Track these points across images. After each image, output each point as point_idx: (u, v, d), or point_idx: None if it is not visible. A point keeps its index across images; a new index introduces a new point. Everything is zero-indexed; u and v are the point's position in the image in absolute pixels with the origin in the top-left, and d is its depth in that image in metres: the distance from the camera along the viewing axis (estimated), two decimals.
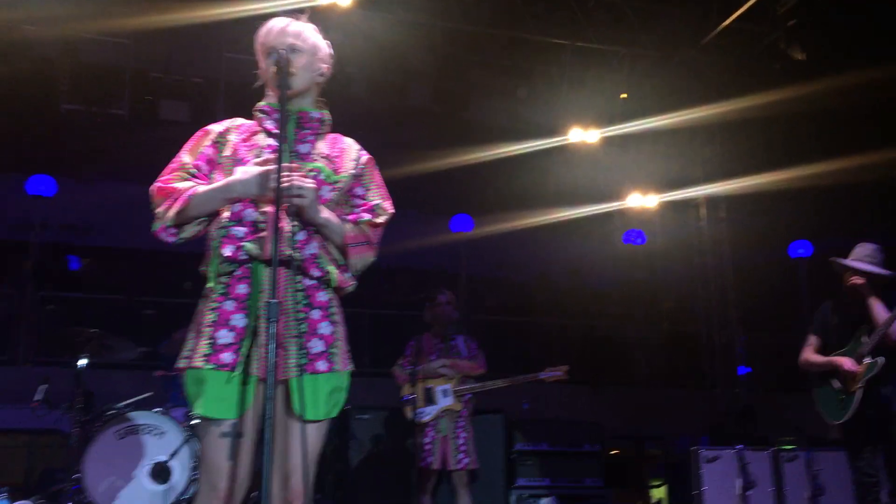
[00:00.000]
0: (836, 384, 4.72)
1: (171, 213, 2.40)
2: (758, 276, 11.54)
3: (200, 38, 8.54)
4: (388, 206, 2.63)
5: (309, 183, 2.38)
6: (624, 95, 10.58)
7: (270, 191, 2.32)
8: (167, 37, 8.61)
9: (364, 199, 2.60)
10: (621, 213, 12.02)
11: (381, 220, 2.59)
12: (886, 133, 9.41)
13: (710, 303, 11.09)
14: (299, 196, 2.34)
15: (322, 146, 2.58)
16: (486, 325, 12.07)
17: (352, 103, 9.45)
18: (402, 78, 10.06)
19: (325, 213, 2.44)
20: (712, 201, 11.23)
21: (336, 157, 2.58)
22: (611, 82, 10.49)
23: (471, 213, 11.54)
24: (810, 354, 4.91)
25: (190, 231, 2.45)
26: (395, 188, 2.73)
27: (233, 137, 2.53)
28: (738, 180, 10.38)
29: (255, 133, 2.55)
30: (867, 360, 4.55)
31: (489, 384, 5.99)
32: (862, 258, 4.77)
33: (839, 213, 11.26)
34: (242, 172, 2.40)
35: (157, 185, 2.47)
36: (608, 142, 10.65)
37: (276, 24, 2.57)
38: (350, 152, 2.63)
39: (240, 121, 2.60)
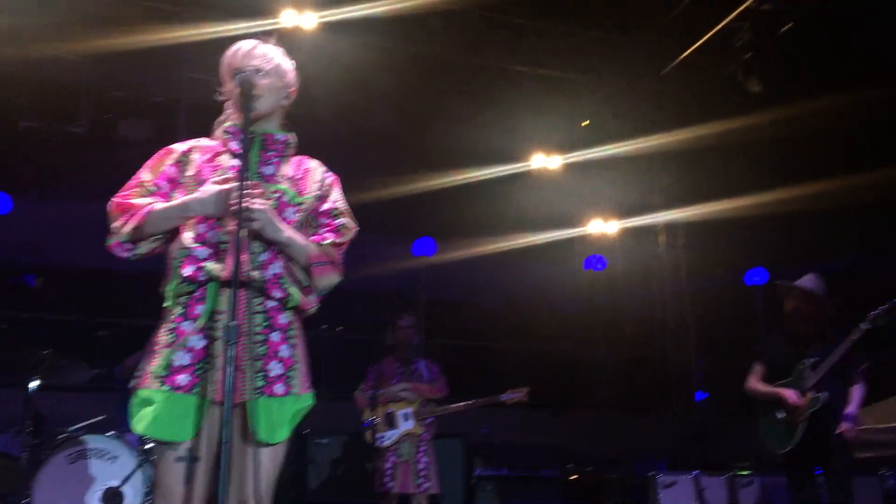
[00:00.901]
0: (781, 414, 4.80)
1: (127, 228, 2.38)
2: (715, 301, 11.70)
3: (162, 57, 8.48)
4: (352, 225, 2.63)
5: (258, 204, 2.35)
6: (586, 122, 10.73)
7: (228, 211, 2.32)
8: (128, 55, 8.54)
9: (329, 217, 2.59)
10: (582, 239, 12.14)
11: (345, 238, 2.59)
12: (840, 162, 9.65)
13: (669, 328, 11.22)
14: (250, 220, 2.31)
15: (287, 168, 2.58)
16: (447, 348, 12.04)
17: (315, 125, 9.42)
18: (366, 100, 10.09)
19: (288, 232, 2.42)
20: (671, 228, 11.39)
21: (300, 178, 2.58)
22: (572, 109, 10.64)
23: (433, 237, 11.56)
24: (755, 383, 5.02)
25: (145, 248, 2.43)
26: (357, 211, 2.73)
27: (196, 157, 2.52)
28: (695, 207, 10.56)
29: (219, 154, 2.54)
30: (811, 395, 4.64)
31: (450, 407, 5.99)
32: (805, 281, 4.90)
33: (794, 241, 11.49)
34: (201, 192, 2.39)
35: (115, 200, 2.45)
36: (569, 168, 10.77)
37: (242, 46, 2.57)
38: (315, 174, 2.63)
39: (204, 141, 2.59)
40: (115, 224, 2.41)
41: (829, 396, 4.60)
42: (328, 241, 2.54)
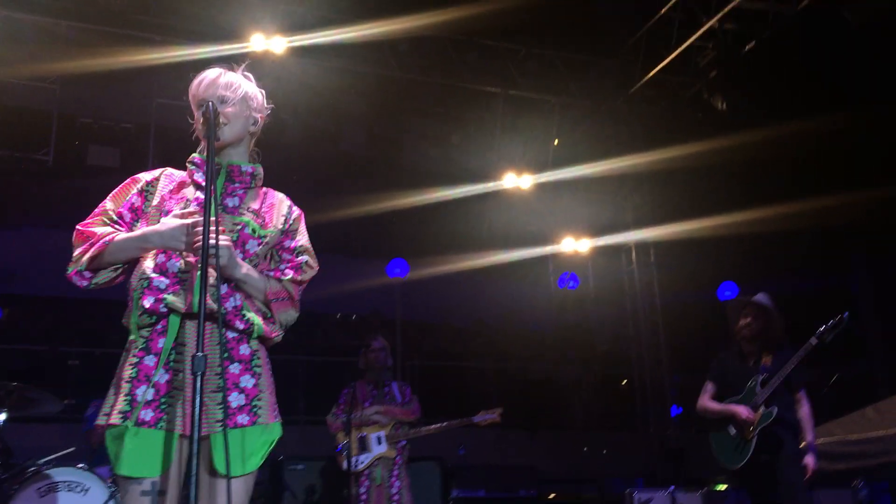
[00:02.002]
0: (732, 430, 4.87)
1: (86, 257, 2.36)
2: (687, 318, 11.80)
3: (132, 82, 8.45)
4: (314, 264, 2.62)
5: (224, 241, 2.34)
6: (556, 142, 10.84)
7: (188, 245, 2.32)
8: (97, 81, 8.50)
9: (292, 254, 2.58)
10: (555, 258, 12.21)
11: (305, 277, 2.58)
12: (807, 183, 9.83)
13: (642, 345, 11.28)
14: (214, 255, 2.28)
15: (252, 201, 2.56)
16: (421, 370, 12.02)
17: (286, 149, 9.44)
18: (337, 124, 10.11)
19: (244, 269, 2.41)
20: (642, 246, 11.49)
21: (265, 212, 2.56)
22: (542, 130, 10.75)
23: (406, 257, 11.56)
24: (707, 401, 5.09)
25: (104, 277, 2.41)
26: (329, 233, 2.73)
27: (162, 187, 2.51)
28: (666, 226, 10.67)
29: (184, 185, 2.52)
30: (762, 410, 4.72)
31: (423, 430, 5.95)
32: (758, 298, 5.00)
33: (763, 258, 11.65)
34: (161, 224, 2.38)
35: (78, 228, 2.43)
36: (541, 187, 10.85)
37: (207, 75, 2.55)
38: (280, 207, 2.61)
39: (171, 171, 2.57)
40: (76, 253, 2.39)
41: (779, 411, 4.68)
42: (288, 278, 2.54)
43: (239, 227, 2.46)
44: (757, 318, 4.95)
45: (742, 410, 4.80)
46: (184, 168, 2.58)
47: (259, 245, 2.48)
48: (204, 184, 2.48)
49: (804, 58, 8.90)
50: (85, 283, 2.40)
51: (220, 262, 2.29)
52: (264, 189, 2.63)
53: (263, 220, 2.53)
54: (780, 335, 4.94)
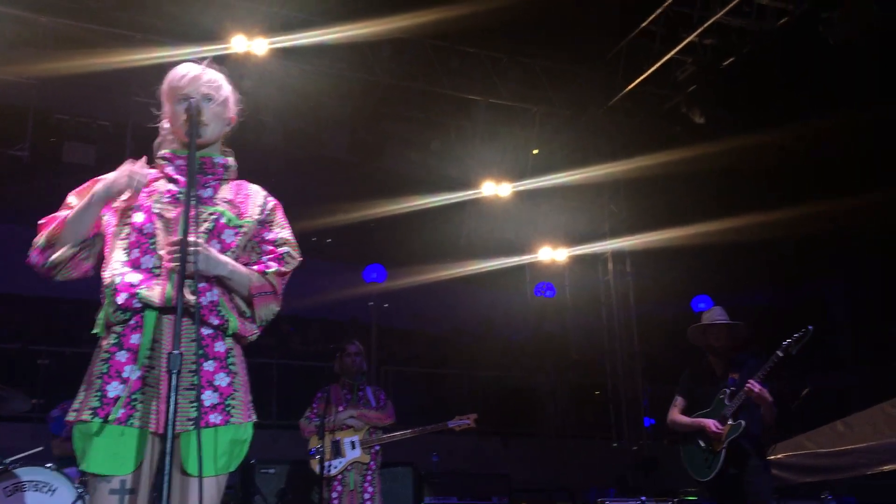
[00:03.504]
0: (702, 443, 4.93)
1: (44, 235, 2.36)
2: (662, 328, 11.88)
3: (110, 81, 8.38)
4: (296, 254, 2.59)
5: (198, 245, 2.28)
6: (535, 151, 10.89)
7: (130, 181, 2.33)
8: (75, 78, 8.42)
9: (273, 245, 2.55)
10: (532, 266, 12.24)
11: (288, 268, 2.55)
12: (782, 193, 9.95)
13: (616, 355, 11.33)
14: (187, 262, 2.25)
15: (225, 191, 2.53)
16: (397, 375, 12.00)
17: (267, 151, 9.41)
18: (318, 127, 10.09)
19: (230, 266, 2.39)
20: (618, 255, 11.56)
21: (240, 202, 2.53)
22: (522, 138, 10.80)
23: (384, 264, 11.55)
24: (676, 415, 5.17)
25: (60, 254, 2.36)
26: (308, 237, 2.71)
27: None
28: (642, 236, 10.75)
29: (156, 179, 2.49)
30: (731, 422, 4.78)
31: (398, 435, 5.94)
32: (716, 316, 5.08)
33: (738, 268, 11.76)
34: (104, 177, 2.38)
35: (39, 223, 2.42)
36: (519, 196, 10.89)
37: (189, 70, 2.52)
38: (256, 198, 2.58)
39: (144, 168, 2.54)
40: (36, 239, 2.38)
41: (746, 424, 4.74)
42: (272, 270, 2.49)
43: (214, 216, 2.43)
44: (720, 337, 5.03)
45: (711, 424, 4.86)
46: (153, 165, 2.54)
47: (236, 235, 2.45)
48: (175, 176, 2.47)
49: (781, 72, 9.02)
50: (41, 260, 2.35)
51: (196, 267, 2.24)
52: (238, 181, 2.61)
53: (239, 211, 2.50)
54: (747, 340, 5.03)
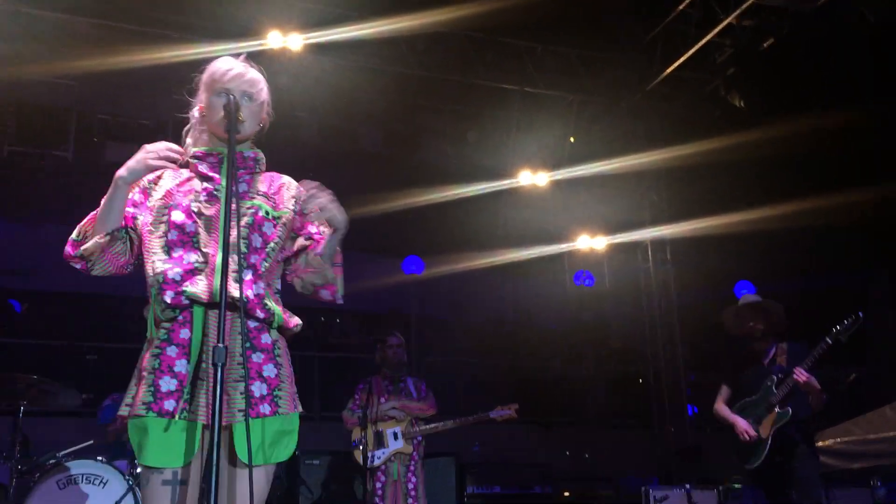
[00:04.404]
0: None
1: (77, 229, 2.45)
2: (704, 316, 11.73)
3: (149, 79, 8.49)
4: None
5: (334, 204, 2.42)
6: (572, 139, 10.81)
7: (153, 155, 2.39)
8: (115, 78, 8.56)
9: (320, 235, 2.57)
10: (570, 255, 12.18)
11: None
12: (824, 180, 9.76)
13: (658, 343, 11.22)
14: (234, 245, 2.33)
15: (259, 184, 2.57)
16: (436, 366, 12.03)
17: (302, 146, 9.47)
18: (353, 122, 10.13)
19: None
20: (658, 243, 11.44)
21: (275, 194, 2.57)
22: (559, 127, 10.72)
23: (422, 255, 11.58)
24: (720, 405, 5.15)
25: (92, 243, 2.41)
26: (346, 231, 2.72)
27: (166, 183, 2.51)
28: (683, 224, 10.62)
29: (189, 178, 2.52)
30: (777, 410, 4.73)
31: (439, 425, 5.97)
32: (748, 299, 5.04)
33: (780, 255, 11.57)
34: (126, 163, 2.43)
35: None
36: (557, 185, 10.83)
37: (234, 66, 2.55)
38: (290, 189, 2.61)
39: (171, 168, 2.55)
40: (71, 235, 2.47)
41: (793, 412, 4.68)
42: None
43: (252, 210, 2.46)
44: (756, 318, 4.98)
45: (741, 423, 4.84)
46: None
47: (276, 227, 2.48)
48: (209, 174, 2.50)
49: (822, 54, 8.83)
50: (73, 250, 2.43)
51: (339, 218, 2.42)
52: (269, 173, 2.64)
53: (275, 203, 2.54)
54: (784, 322, 4.97)
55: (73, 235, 2.45)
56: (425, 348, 12.09)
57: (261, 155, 2.62)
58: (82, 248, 2.41)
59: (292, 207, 2.57)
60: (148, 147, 2.43)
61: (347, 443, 5.93)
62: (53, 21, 8.23)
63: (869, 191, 9.23)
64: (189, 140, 2.63)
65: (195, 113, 2.62)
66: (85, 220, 2.47)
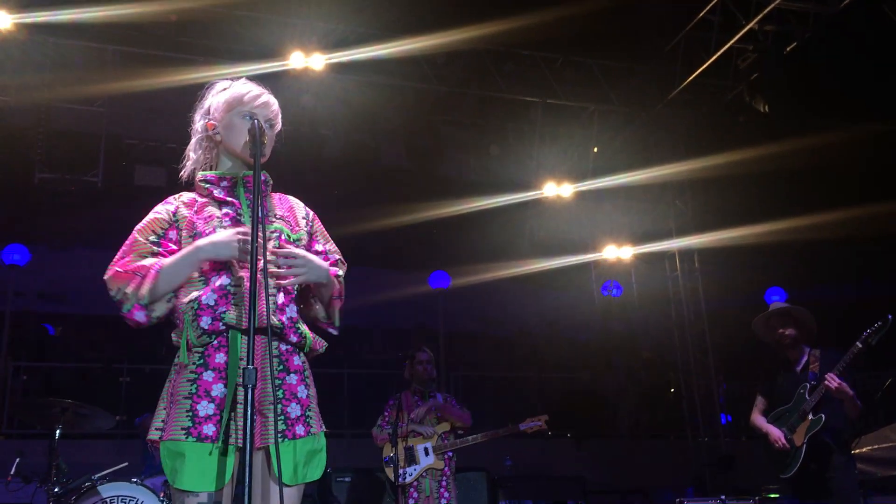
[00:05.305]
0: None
1: (144, 290, 2.32)
2: (734, 324, 11.61)
3: (176, 102, 8.61)
4: (344, 260, 2.67)
5: (299, 256, 2.39)
6: (595, 149, 10.79)
7: (243, 253, 2.31)
8: (142, 103, 8.69)
9: (325, 255, 2.61)
10: (596, 266, 12.13)
11: (343, 273, 2.63)
12: (853, 191, 9.66)
13: (688, 352, 11.13)
14: (295, 274, 2.36)
15: (275, 208, 2.59)
16: (465, 380, 12.02)
17: (326, 164, 9.54)
18: (376, 138, 10.19)
19: (325, 267, 2.48)
20: (686, 252, 11.36)
21: (288, 216, 2.59)
22: (582, 138, 10.71)
23: (447, 268, 11.59)
24: (756, 416, 5.13)
25: (161, 309, 2.37)
26: (372, 246, 2.76)
27: (185, 213, 2.49)
28: (709, 234, 10.55)
29: (205, 204, 2.50)
30: (811, 417, 4.67)
31: (469, 439, 5.94)
32: (777, 305, 5.00)
33: (810, 264, 11.44)
34: (214, 235, 2.38)
35: (114, 269, 2.37)
36: (581, 195, 10.80)
37: (255, 90, 2.58)
38: (298, 210, 2.64)
39: (185, 195, 2.56)
40: (128, 290, 2.32)
41: (827, 419, 4.62)
42: (340, 274, 2.58)
43: (276, 234, 2.48)
44: (786, 325, 4.95)
45: (775, 434, 4.80)
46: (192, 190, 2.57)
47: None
48: (227, 198, 2.50)
49: (847, 58, 8.74)
50: (146, 319, 2.36)
51: (312, 277, 2.39)
52: (277, 194, 2.66)
53: (290, 225, 2.56)
54: (814, 328, 4.93)
55: (143, 300, 2.32)
56: (454, 363, 12.08)
57: (268, 177, 2.61)
58: (155, 315, 2.36)
59: (305, 228, 2.60)
60: (241, 236, 2.33)
61: (378, 459, 5.93)
62: (81, 49, 8.39)
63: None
64: (191, 155, 2.63)
65: (201, 129, 2.62)
66: (135, 279, 2.34)
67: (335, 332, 2.56)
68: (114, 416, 5.80)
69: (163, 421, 2.34)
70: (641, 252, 11.58)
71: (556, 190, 10.63)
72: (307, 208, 2.68)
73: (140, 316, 2.35)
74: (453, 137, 10.67)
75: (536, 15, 8.11)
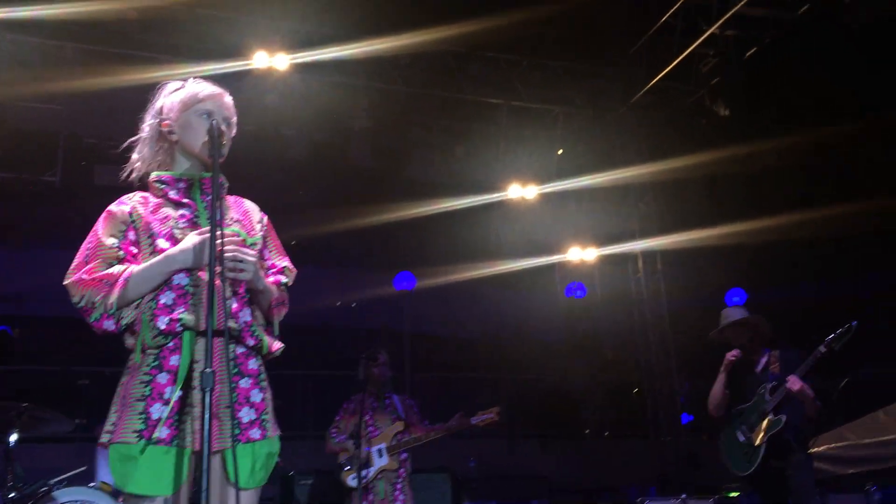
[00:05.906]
0: (741, 437, 4.88)
1: (113, 298, 2.28)
2: (697, 324, 11.73)
3: (136, 101, 8.49)
4: (292, 267, 2.65)
5: (250, 256, 2.36)
6: (560, 151, 10.85)
7: (210, 259, 2.27)
8: (102, 101, 8.55)
9: (271, 262, 2.60)
10: (561, 267, 12.20)
11: (290, 280, 2.62)
12: (815, 191, 9.82)
13: (651, 352, 11.24)
14: (242, 270, 2.32)
15: (231, 211, 2.57)
16: (430, 381, 12.00)
17: (291, 164, 9.48)
18: (341, 138, 10.14)
19: (266, 279, 2.46)
20: (649, 254, 11.47)
21: (244, 220, 2.57)
22: (546, 140, 10.77)
23: (413, 269, 11.57)
24: (716, 387, 5.16)
25: (129, 316, 2.32)
26: (337, 247, 2.74)
27: (141, 212, 2.44)
28: (672, 236, 10.66)
29: (160, 205, 2.47)
30: (771, 417, 4.73)
31: (422, 437, 5.86)
32: (731, 315, 5.08)
33: (771, 265, 11.60)
34: (183, 243, 2.34)
35: (79, 276, 2.31)
36: (546, 197, 10.86)
37: (215, 90, 2.56)
38: (254, 214, 2.62)
39: (138, 195, 2.51)
40: (96, 299, 2.28)
41: (788, 418, 4.69)
42: (285, 282, 2.58)
43: (233, 237, 2.45)
44: (741, 337, 5.02)
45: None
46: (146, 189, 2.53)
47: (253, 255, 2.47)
48: (181, 200, 2.48)
49: (806, 63, 8.89)
50: (115, 327, 2.32)
51: (247, 276, 2.33)
52: (232, 197, 2.63)
53: (246, 228, 2.54)
54: (770, 333, 5.00)
55: (111, 309, 2.28)
56: (419, 364, 12.06)
57: (225, 180, 2.58)
58: (123, 323, 2.32)
59: (259, 233, 2.58)
60: (205, 241, 2.30)
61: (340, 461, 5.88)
62: (39, 46, 8.24)
63: (861, 201, 9.27)
64: (136, 156, 2.58)
65: (148, 129, 2.58)
66: (103, 287, 2.29)
67: (275, 348, 2.49)
68: (72, 419, 5.71)
69: (113, 424, 2.30)
70: (605, 253, 11.67)
71: (521, 191, 10.68)
72: (261, 212, 2.66)
73: (109, 325, 2.31)
74: (419, 138, 10.66)
75: (501, 17, 8.16)
